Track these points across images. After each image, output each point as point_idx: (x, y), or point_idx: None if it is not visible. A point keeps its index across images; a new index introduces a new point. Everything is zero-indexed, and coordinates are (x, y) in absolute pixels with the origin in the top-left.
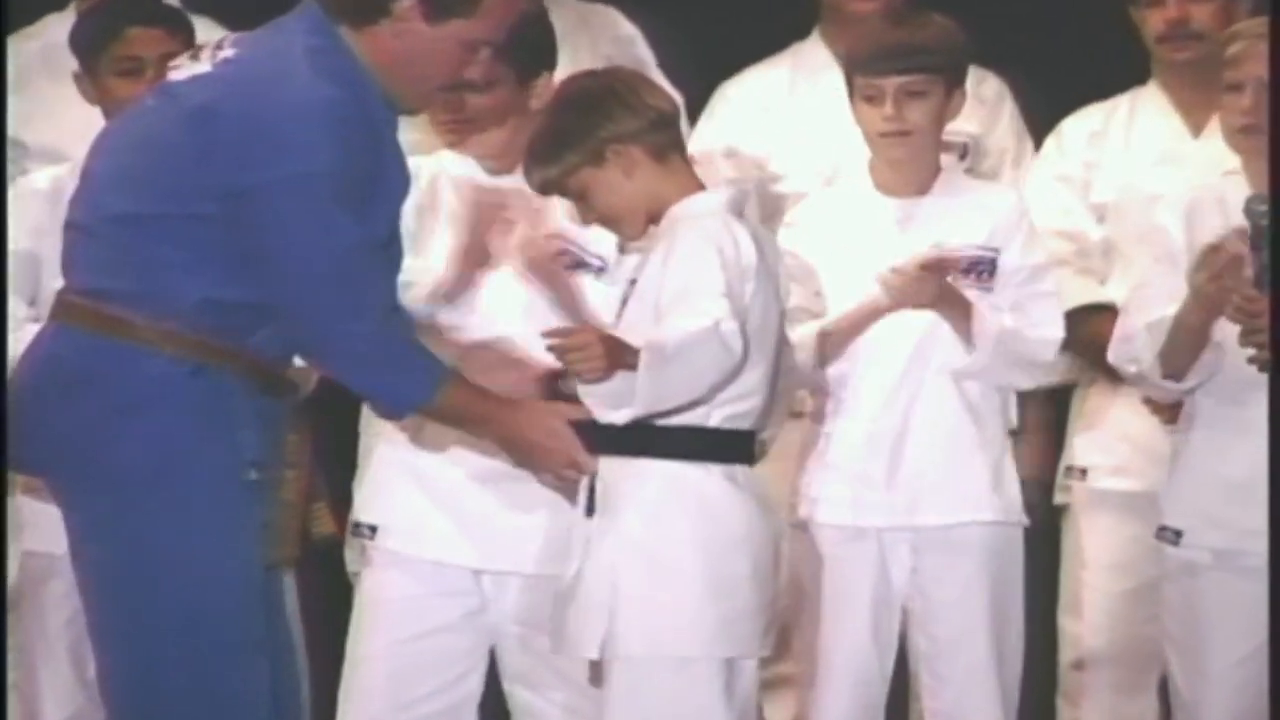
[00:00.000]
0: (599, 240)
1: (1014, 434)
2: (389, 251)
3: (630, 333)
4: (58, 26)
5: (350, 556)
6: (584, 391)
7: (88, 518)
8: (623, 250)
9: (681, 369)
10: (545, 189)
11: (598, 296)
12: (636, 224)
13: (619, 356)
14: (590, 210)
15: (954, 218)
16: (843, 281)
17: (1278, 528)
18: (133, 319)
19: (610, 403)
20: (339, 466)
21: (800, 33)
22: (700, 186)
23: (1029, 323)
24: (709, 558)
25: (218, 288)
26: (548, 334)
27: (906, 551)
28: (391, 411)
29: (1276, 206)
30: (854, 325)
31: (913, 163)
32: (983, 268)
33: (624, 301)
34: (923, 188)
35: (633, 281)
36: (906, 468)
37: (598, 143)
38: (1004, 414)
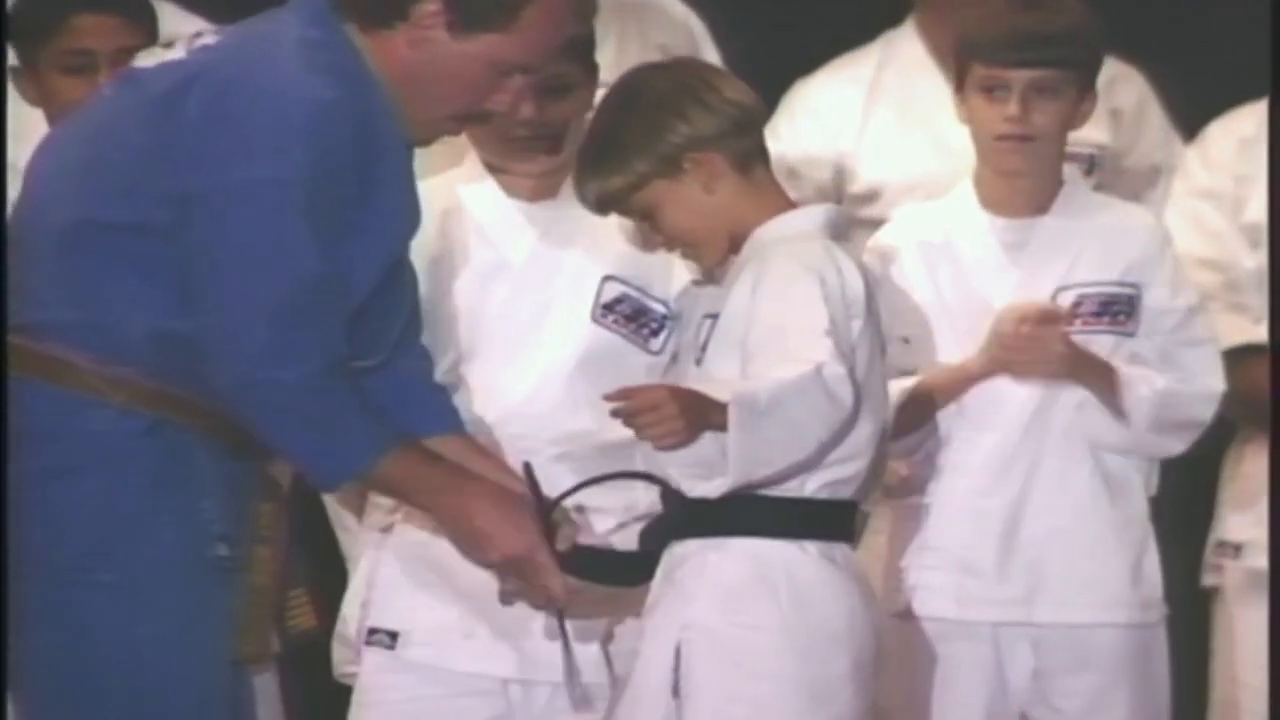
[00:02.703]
0: (662, 280)
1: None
2: (367, 312)
3: (711, 382)
4: None
5: (338, 651)
6: (666, 460)
7: (17, 604)
8: (700, 281)
9: (780, 425)
10: (602, 205)
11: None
12: (717, 248)
13: (701, 416)
14: (659, 233)
15: (1079, 245)
16: (940, 325)
17: (1278, 527)
18: (76, 361)
19: (698, 472)
20: (323, 546)
21: (893, 19)
22: (789, 204)
23: (1183, 377)
24: (803, 655)
25: (169, 316)
26: (611, 396)
27: (1027, 650)
28: (318, 481)
29: (1276, 207)
30: (947, 389)
31: (1033, 175)
32: (1119, 308)
33: (700, 346)
34: (1041, 206)
35: (710, 317)
36: (1022, 552)
37: (672, 149)
38: (1147, 485)
